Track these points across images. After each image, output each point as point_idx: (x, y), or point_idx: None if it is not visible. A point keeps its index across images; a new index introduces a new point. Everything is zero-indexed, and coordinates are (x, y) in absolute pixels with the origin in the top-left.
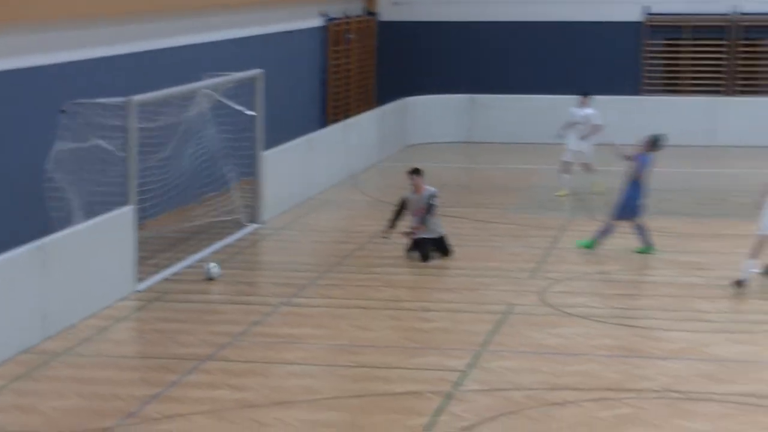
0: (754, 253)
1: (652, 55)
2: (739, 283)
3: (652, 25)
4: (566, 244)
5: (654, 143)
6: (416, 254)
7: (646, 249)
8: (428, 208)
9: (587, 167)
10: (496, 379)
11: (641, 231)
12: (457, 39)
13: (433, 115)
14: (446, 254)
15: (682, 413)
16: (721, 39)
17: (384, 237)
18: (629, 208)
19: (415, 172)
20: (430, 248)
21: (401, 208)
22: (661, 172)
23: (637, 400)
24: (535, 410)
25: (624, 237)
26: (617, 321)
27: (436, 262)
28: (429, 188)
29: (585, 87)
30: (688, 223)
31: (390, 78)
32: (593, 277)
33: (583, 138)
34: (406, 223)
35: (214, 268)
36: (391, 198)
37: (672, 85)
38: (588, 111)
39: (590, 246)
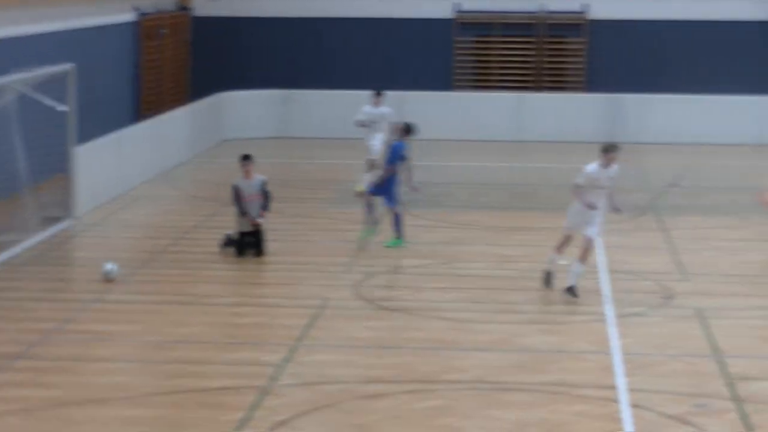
0: (560, 248)
1: (462, 51)
2: (548, 276)
3: (462, 23)
4: (381, 238)
5: (406, 130)
6: (231, 249)
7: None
8: (266, 195)
9: (373, 164)
10: (312, 372)
11: (397, 221)
12: (272, 34)
13: (247, 110)
14: (260, 251)
15: (494, 403)
16: (529, 36)
17: (255, 226)
18: (388, 195)
19: (247, 158)
20: (247, 243)
21: (238, 196)
22: (471, 166)
23: (449, 391)
24: (350, 403)
25: (436, 230)
26: (431, 313)
27: (252, 257)
28: (258, 176)
29: (378, 84)
30: (499, 217)
31: (205, 73)
32: (407, 271)
33: (380, 136)
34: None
35: (112, 268)
36: (204, 193)
37: (482, 81)
38: (384, 109)
39: (398, 243)
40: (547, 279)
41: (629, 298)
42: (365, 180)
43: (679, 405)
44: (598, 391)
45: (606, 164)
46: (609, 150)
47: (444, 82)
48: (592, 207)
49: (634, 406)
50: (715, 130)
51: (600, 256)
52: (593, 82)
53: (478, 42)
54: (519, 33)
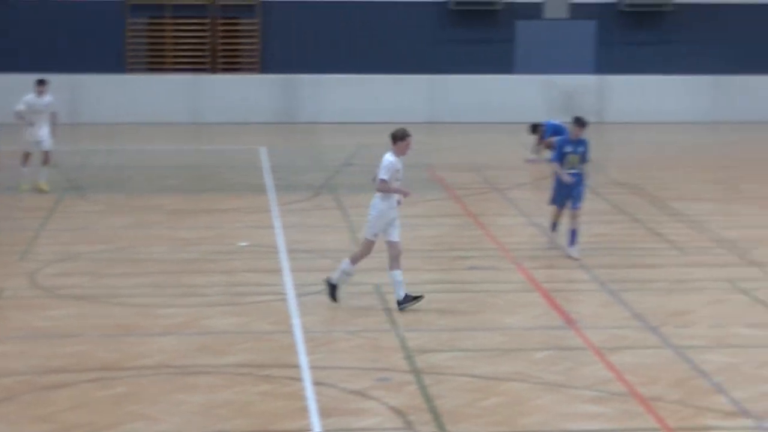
0: (357, 260)
1: (134, 33)
2: (333, 288)
3: (133, 4)
4: (57, 225)
5: None
6: None
7: None
8: None
9: (47, 157)
10: None
11: None
12: None
13: None
14: None
15: (180, 387)
16: (202, 17)
17: None
18: None
19: None
20: None
21: None
22: (148, 150)
23: (134, 378)
24: (30, 395)
25: (114, 216)
26: (111, 300)
27: None
28: None
29: (47, 67)
30: (178, 200)
31: None
32: (86, 257)
33: (46, 127)
34: None
35: None
36: None
37: (156, 63)
38: (47, 99)
39: None
40: (333, 291)
41: (309, 276)
42: (25, 176)
43: (361, 380)
44: (282, 370)
45: (400, 153)
46: (404, 136)
47: (117, 65)
48: (400, 202)
49: (317, 383)
50: (388, 109)
51: (279, 236)
52: (268, 63)
53: (150, 24)
54: (192, 14)
